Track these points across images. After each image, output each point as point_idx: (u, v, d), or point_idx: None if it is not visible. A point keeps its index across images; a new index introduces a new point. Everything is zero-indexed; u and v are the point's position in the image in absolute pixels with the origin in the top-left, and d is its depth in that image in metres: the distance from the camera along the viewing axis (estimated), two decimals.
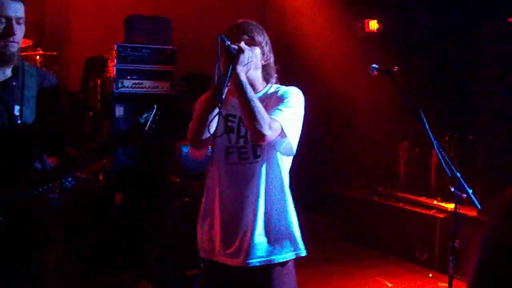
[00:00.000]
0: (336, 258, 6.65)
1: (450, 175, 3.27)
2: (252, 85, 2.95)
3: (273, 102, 2.97)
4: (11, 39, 2.79)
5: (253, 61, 2.90)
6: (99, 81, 6.24)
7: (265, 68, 3.06)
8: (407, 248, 6.52)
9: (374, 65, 3.68)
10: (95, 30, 7.33)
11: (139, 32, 6.24)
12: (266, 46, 3.03)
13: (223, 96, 2.79)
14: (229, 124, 3.01)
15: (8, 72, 2.91)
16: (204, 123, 2.86)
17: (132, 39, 6.19)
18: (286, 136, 2.88)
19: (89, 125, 6.35)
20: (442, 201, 6.43)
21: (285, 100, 2.94)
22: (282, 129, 2.84)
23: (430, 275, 6.10)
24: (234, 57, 2.80)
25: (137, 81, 6.01)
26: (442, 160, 3.27)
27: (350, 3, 7.94)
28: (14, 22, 2.78)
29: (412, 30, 7.66)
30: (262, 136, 2.78)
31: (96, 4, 7.57)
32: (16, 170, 2.85)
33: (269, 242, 2.98)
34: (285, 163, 3.04)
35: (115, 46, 5.99)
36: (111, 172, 6.04)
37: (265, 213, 2.98)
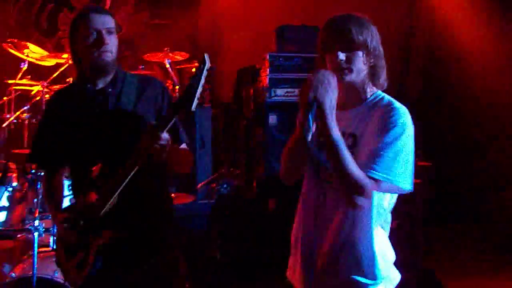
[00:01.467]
0: (490, 270, 6.36)
1: None
2: (355, 94, 2.61)
3: (374, 128, 2.50)
4: (103, 48, 2.91)
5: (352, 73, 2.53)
6: (251, 90, 6.43)
7: (372, 69, 2.59)
8: None
9: None
10: (246, 41, 7.58)
11: (290, 42, 6.36)
12: (371, 43, 2.54)
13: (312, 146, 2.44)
14: (322, 139, 2.49)
15: (107, 82, 3.03)
16: (293, 166, 2.68)
17: (283, 48, 6.33)
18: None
19: (242, 133, 6.56)
20: None
21: (387, 138, 2.44)
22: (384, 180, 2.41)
23: None
24: (313, 108, 2.35)
25: (289, 90, 6.12)
26: None
27: (505, 4, 7.59)
28: (104, 32, 2.91)
29: None
30: (355, 203, 2.40)
31: (247, 15, 7.82)
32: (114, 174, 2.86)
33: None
34: (385, 195, 2.60)
35: (267, 56, 6.15)
36: (264, 179, 6.20)
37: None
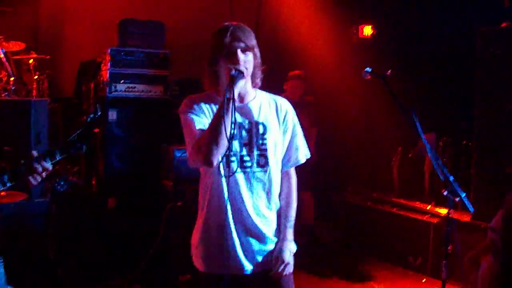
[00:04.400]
0: (330, 263, 6.60)
1: (442, 178, 3.23)
2: (246, 91, 2.96)
3: (275, 119, 3.01)
4: None
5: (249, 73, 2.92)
6: (92, 85, 6.22)
7: (254, 69, 2.95)
8: (401, 253, 6.50)
9: (367, 69, 3.63)
10: (88, 34, 7.33)
11: (133, 36, 6.22)
12: (256, 48, 2.94)
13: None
14: (233, 131, 2.82)
15: None
16: (220, 138, 2.76)
17: (126, 43, 6.18)
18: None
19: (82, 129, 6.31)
20: (436, 206, 6.41)
21: (293, 129, 3.09)
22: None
23: (424, 280, 6.08)
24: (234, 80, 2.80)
25: (130, 85, 5.99)
26: (434, 164, 3.24)
27: (344, 9, 7.93)
28: None
29: (406, 36, 7.65)
30: None
31: (90, 8, 7.56)
32: None
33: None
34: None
35: (109, 50, 5.98)
36: (104, 177, 6.02)
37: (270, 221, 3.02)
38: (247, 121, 2.96)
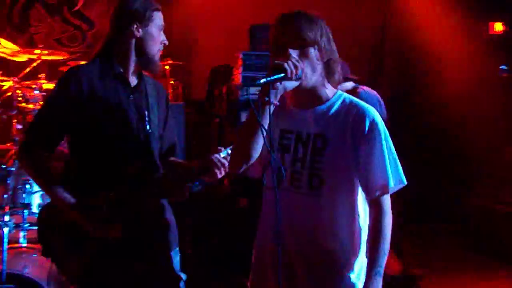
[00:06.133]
0: (458, 269, 6.46)
1: None
2: (314, 94, 2.47)
3: (350, 133, 2.40)
4: (162, 48, 3.06)
5: (306, 72, 2.39)
6: (225, 88, 6.45)
7: (326, 64, 2.46)
8: None
9: (503, 66, 3.54)
10: (220, 40, 7.59)
11: (263, 41, 6.39)
12: (322, 39, 2.41)
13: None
14: (284, 142, 2.49)
15: (135, 78, 2.97)
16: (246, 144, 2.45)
17: (256, 47, 6.36)
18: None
19: (215, 131, 6.57)
20: None
21: (377, 148, 2.39)
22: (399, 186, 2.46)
23: None
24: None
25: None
26: None
27: (474, 5, 7.73)
28: None
29: None
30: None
31: (221, 14, 7.83)
32: (147, 175, 2.93)
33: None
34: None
35: (241, 55, 6.18)
36: (235, 176, 6.22)
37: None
38: (304, 132, 2.47)
